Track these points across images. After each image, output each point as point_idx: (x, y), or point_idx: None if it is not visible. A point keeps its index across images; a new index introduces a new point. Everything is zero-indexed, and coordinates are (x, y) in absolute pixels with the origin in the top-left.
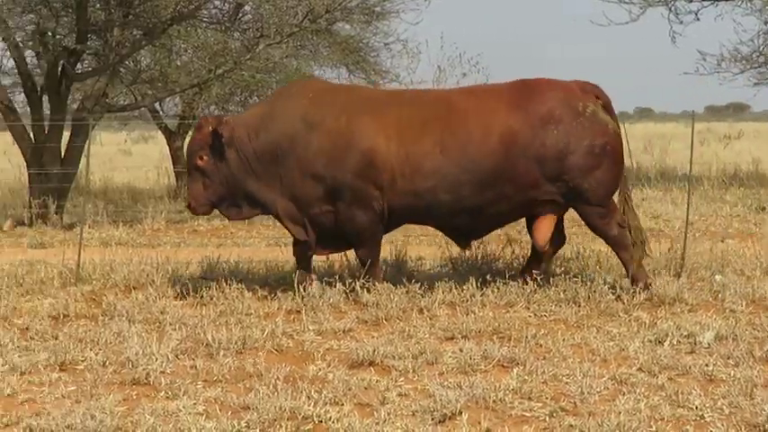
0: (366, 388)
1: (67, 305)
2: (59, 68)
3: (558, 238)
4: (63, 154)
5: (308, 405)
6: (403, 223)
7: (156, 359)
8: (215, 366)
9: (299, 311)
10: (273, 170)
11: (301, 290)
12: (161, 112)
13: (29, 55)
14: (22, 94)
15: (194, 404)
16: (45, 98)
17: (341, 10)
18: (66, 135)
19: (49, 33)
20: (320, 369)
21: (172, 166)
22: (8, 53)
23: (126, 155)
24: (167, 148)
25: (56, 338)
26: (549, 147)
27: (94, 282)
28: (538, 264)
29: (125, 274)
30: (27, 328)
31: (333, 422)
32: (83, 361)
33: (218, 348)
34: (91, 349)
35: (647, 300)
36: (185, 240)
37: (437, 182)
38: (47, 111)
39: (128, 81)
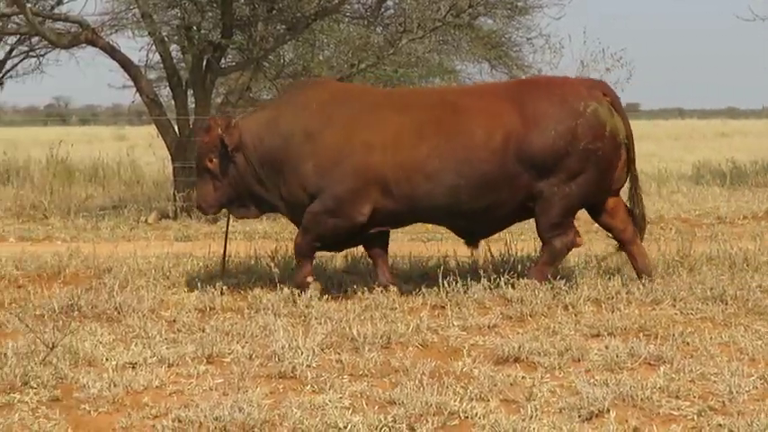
0: (512, 384)
1: (213, 298)
2: (204, 63)
3: (628, 216)
4: None
5: (454, 401)
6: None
7: (302, 353)
8: (360, 361)
9: (443, 307)
10: (276, 173)
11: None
12: None
13: (174, 49)
14: (168, 88)
15: (340, 398)
16: (190, 92)
17: (484, 5)
18: None
19: (195, 28)
20: (465, 365)
21: None
22: (154, 48)
23: None
24: None
25: (203, 331)
26: (546, 148)
27: (240, 275)
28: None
29: (270, 268)
30: (174, 321)
31: (479, 418)
32: (229, 354)
33: (363, 343)
34: (237, 342)
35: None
36: None
37: (435, 184)
38: (191, 105)
39: (271, 75)
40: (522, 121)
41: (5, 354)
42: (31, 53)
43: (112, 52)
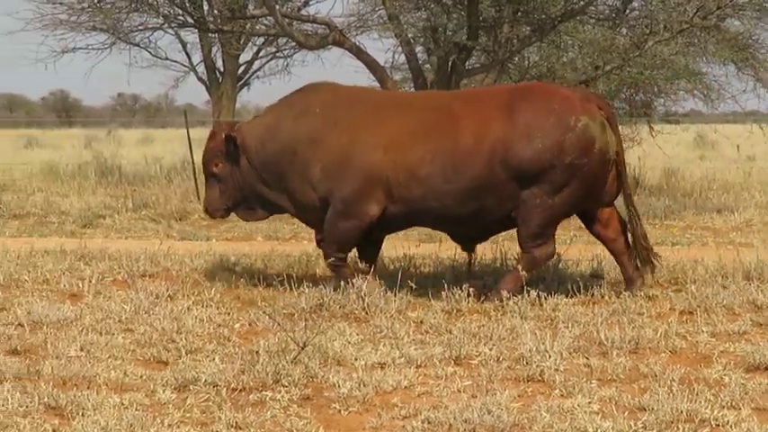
0: (764, 392)
1: (460, 300)
2: (449, 64)
3: (618, 222)
4: None
5: (706, 408)
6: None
7: (550, 356)
8: (609, 365)
9: (691, 312)
10: (279, 178)
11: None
12: None
13: (419, 51)
14: (413, 89)
15: (589, 403)
16: None
17: (732, 6)
18: None
19: (441, 30)
20: (716, 372)
21: None
22: (400, 49)
23: None
24: None
25: (450, 332)
26: (532, 159)
27: (486, 277)
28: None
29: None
30: (421, 322)
31: (730, 426)
32: (477, 356)
33: (611, 347)
34: (485, 344)
35: None
36: (573, 237)
37: (427, 189)
38: None
39: (515, 77)
40: (511, 129)
41: (257, 352)
42: (278, 54)
43: (359, 53)
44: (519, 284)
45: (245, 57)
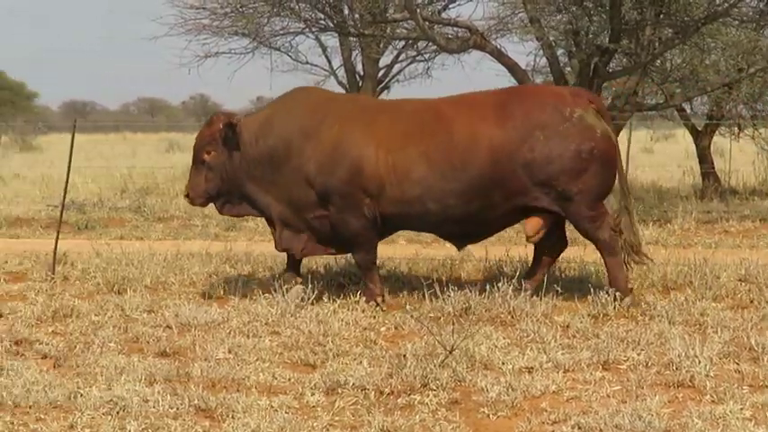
0: None
1: (606, 304)
2: (591, 67)
3: (560, 243)
4: None
5: None
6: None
7: (700, 362)
8: (760, 371)
9: None
10: (270, 175)
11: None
12: (688, 111)
13: (561, 53)
14: None
15: (741, 409)
16: None
17: None
18: None
19: (582, 32)
20: None
21: (698, 166)
22: (541, 52)
23: (648, 153)
24: (693, 146)
25: (597, 337)
26: (536, 152)
27: (631, 281)
28: (539, 269)
29: (662, 275)
30: (568, 326)
31: None
32: (625, 361)
33: (762, 353)
34: (633, 349)
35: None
36: (718, 241)
37: (424, 190)
38: None
39: (658, 80)
40: (513, 128)
41: (404, 355)
42: (418, 57)
43: (500, 56)
44: (623, 272)
45: (384, 60)
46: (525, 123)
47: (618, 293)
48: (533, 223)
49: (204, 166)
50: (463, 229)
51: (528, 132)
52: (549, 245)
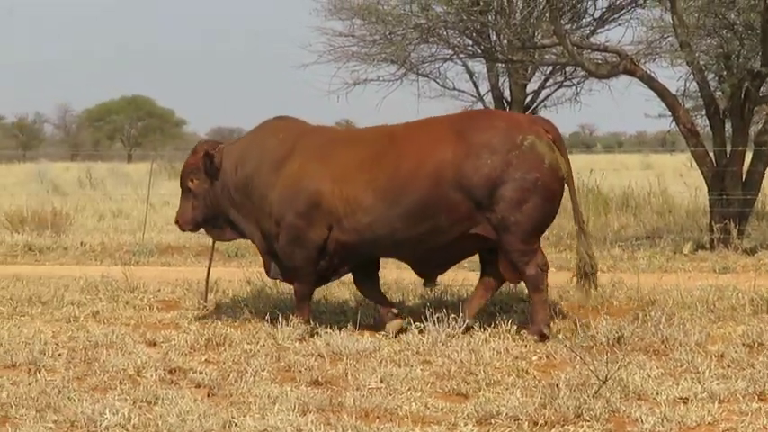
0: None
1: (761, 333)
2: (742, 91)
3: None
4: (744, 178)
5: None
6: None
7: None
8: None
9: None
10: (248, 203)
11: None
12: None
13: (711, 78)
14: (704, 118)
15: None
16: (727, 121)
17: None
18: (748, 158)
19: (733, 56)
20: None
21: None
22: (692, 76)
23: None
24: None
25: (752, 367)
26: (481, 176)
27: None
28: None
29: None
30: (722, 356)
31: None
32: None
33: None
34: None
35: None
36: None
37: (374, 218)
38: (728, 134)
39: None
40: (461, 151)
41: (557, 385)
42: (565, 83)
43: (650, 81)
44: (546, 310)
45: (532, 86)
46: (474, 147)
47: (532, 332)
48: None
49: (190, 194)
50: (417, 256)
51: (476, 156)
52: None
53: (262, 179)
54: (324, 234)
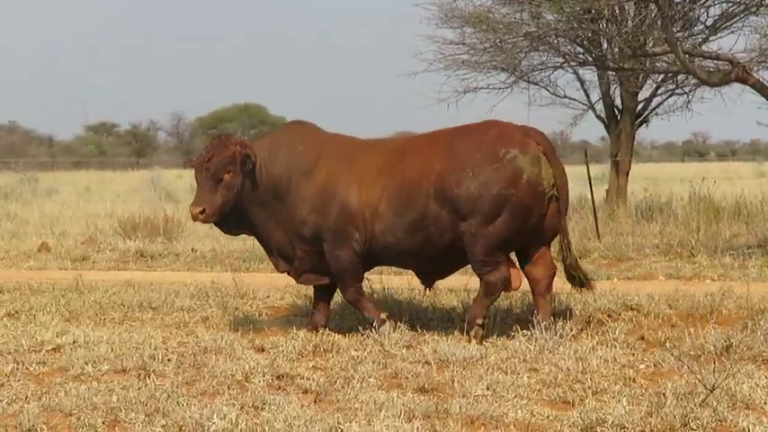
0: None
1: None
2: None
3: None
4: None
5: None
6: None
7: None
8: None
9: None
10: (275, 203)
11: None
12: None
13: None
14: None
15: None
16: None
17: None
18: None
19: None
20: None
21: None
22: None
23: None
24: None
25: None
26: (462, 188)
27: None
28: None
29: None
30: None
31: None
32: None
33: None
34: None
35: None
36: None
37: (384, 226)
38: None
39: None
40: (447, 164)
41: (664, 394)
42: (677, 91)
43: (762, 89)
44: (484, 310)
45: (643, 94)
46: (461, 159)
47: (468, 322)
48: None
49: (220, 185)
50: (417, 265)
51: (461, 168)
52: (538, 272)
53: (293, 183)
54: (360, 236)
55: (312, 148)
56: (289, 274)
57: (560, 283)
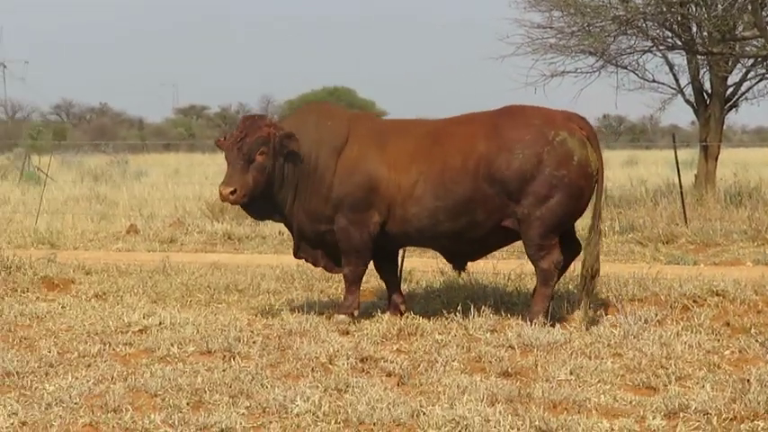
0: None
1: None
2: None
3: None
4: None
5: None
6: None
7: None
8: None
9: None
10: (301, 183)
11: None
12: None
13: None
14: None
15: None
16: None
17: None
18: None
19: None
20: None
21: None
22: None
23: None
24: None
25: None
26: (512, 170)
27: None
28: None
29: None
30: None
31: None
32: None
33: None
34: None
35: None
36: None
37: (422, 207)
38: None
39: None
40: (495, 146)
41: (748, 380)
42: (767, 75)
43: None
44: (547, 302)
45: (733, 78)
46: (508, 142)
47: (527, 319)
48: None
49: (251, 166)
50: (455, 247)
51: (509, 150)
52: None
53: (321, 162)
54: (380, 218)
55: (341, 124)
56: (308, 261)
57: (645, 268)
